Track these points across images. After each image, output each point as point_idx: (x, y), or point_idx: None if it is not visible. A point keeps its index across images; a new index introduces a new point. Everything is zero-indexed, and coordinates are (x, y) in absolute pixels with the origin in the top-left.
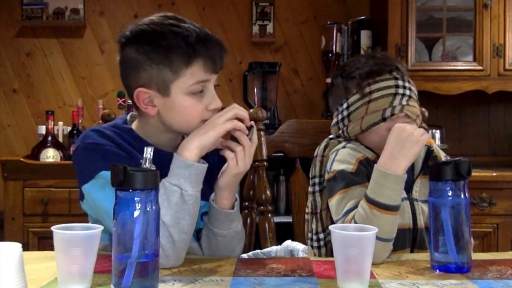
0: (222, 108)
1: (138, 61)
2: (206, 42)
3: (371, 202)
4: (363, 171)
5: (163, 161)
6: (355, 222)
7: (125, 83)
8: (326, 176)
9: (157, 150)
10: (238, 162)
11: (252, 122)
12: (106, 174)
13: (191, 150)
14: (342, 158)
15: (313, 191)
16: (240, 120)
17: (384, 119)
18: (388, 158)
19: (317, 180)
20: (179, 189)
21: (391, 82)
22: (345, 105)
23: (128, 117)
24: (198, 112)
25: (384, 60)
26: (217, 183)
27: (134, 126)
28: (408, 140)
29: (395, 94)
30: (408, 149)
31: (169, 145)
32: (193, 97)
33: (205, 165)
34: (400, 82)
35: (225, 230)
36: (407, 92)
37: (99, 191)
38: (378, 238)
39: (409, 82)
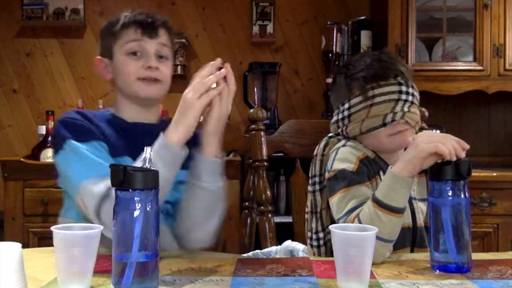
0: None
1: (99, 39)
2: (146, 13)
3: (376, 202)
4: (364, 170)
5: (141, 132)
6: (359, 222)
7: None
8: (327, 175)
9: (134, 123)
10: (222, 104)
11: (227, 65)
12: (73, 144)
13: (177, 133)
14: (343, 157)
15: (313, 190)
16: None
17: (384, 124)
18: (398, 161)
19: (317, 179)
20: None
21: (395, 88)
22: (346, 105)
23: (111, 107)
24: (133, 70)
25: (390, 64)
26: (203, 131)
27: (113, 109)
28: (412, 144)
29: (398, 100)
30: (407, 152)
31: (145, 118)
32: (131, 57)
33: (183, 153)
34: (404, 88)
35: (212, 183)
36: (410, 98)
37: (64, 158)
38: (379, 238)
39: (412, 87)
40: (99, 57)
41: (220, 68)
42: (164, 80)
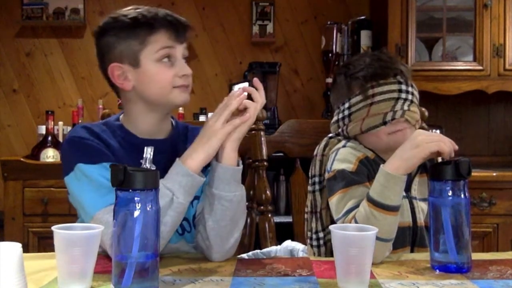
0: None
1: (109, 42)
2: (168, 15)
3: (371, 201)
4: (363, 171)
5: (156, 148)
6: (356, 222)
7: (102, 69)
8: (326, 176)
9: (144, 140)
10: (254, 115)
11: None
12: (83, 167)
13: (195, 160)
14: (343, 157)
15: (313, 190)
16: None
17: (384, 123)
18: (391, 159)
19: (317, 179)
20: (171, 193)
21: (395, 86)
22: (346, 105)
23: (121, 116)
24: (168, 79)
25: (389, 63)
26: (229, 138)
27: (122, 120)
28: (410, 142)
29: (398, 98)
30: (405, 151)
31: (159, 130)
32: (162, 64)
33: (203, 179)
34: (403, 87)
35: (231, 192)
36: (409, 97)
37: (75, 183)
38: (378, 238)
39: (412, 86)
40: (115, 64)
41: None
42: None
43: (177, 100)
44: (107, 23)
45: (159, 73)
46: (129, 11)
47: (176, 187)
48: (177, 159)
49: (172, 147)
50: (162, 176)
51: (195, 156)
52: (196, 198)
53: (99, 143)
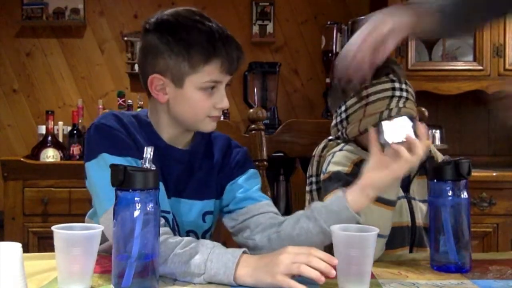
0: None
1: (159, 48)
2: (226, 43)
3: None
4: (358, 173)
5: (172, 157)
6: None
7: (141, 68)
8: (322, 177)
9: (168, 146)
10: (405, 165)
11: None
12: (107, 157)
13: (247, 276)
14: (338, 160)
15: (310, 190)
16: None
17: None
18: None
19: (314, 179)
20: (203, 272)
21: (388, 85)
22: (343, 108)
23: (148, 113)
24: (205, 108)
25: (381, 63)
26: (369, 180)
27: (150, 119)
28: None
29: (392, 96)
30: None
31: (180, 140)
32: (204, 93)
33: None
34: (397, 85)
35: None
36: (404, 94)
37: (97, 171)
38: None
39: (406, 83)
40: (157, 75)
41: None
42: None
43: (205, 128)
44: (163, 25)
45: (198, 101)
46: (190, 21)
47: (211, 273)
48: (241, 252)
49: (190, 159)
50: (170, 185)
51: (249, 272)
52: (209, 213)
53: (127, 135)
